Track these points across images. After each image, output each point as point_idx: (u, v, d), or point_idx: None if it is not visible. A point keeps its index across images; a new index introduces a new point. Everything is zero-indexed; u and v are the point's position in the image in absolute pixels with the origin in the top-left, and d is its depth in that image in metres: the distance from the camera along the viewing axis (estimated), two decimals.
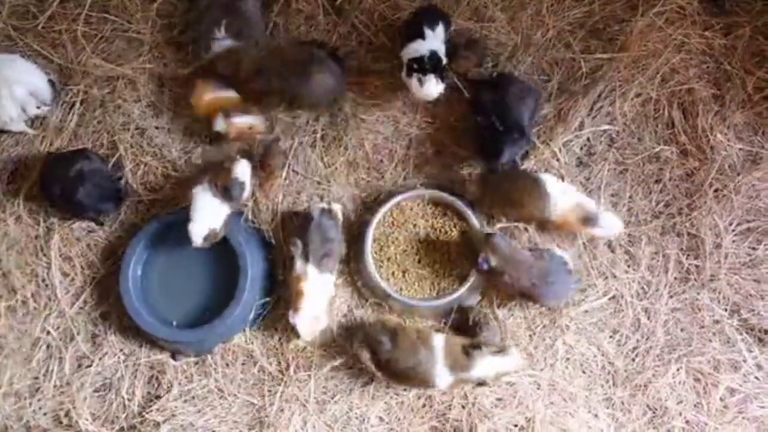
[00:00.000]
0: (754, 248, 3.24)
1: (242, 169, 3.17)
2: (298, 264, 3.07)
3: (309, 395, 3.17)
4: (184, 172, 3.36)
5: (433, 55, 3.13)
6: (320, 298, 3.09)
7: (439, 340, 2.97)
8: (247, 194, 3.21)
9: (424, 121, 3.39)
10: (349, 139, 3.37)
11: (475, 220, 3.22)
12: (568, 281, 3.10)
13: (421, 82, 3.13)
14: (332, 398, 3.18)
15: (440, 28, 3.21)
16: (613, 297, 3.23)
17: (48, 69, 3.46)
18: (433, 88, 3.14)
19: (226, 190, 3.10)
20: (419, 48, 3.16)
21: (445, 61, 3.18)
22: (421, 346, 2.95)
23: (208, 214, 3.09)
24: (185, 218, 3.09)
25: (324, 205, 3.17)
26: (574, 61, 3.40)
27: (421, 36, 3.18)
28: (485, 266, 3.00)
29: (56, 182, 3.19)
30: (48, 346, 3.28)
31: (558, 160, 3.31)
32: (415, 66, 3.13)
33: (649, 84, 3.35)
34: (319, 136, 3.38)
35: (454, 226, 3.27)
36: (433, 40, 3.18)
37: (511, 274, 3.01)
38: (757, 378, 3.14)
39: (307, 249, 3.06)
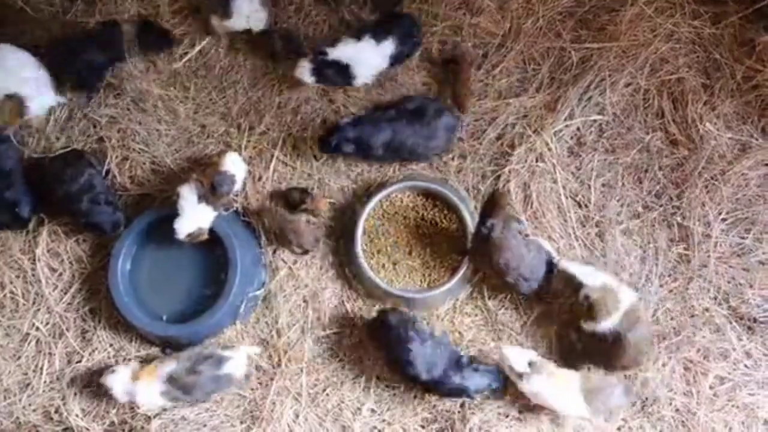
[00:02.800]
0: (743, 237, 3.24)
1: (232, 162, 3.15)
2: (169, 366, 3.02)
3: (301, 388, 3.17)
4: (171, 166, 3.34)
5: (335, 66, 3.18)
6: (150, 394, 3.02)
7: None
8: (238, 187, 3.20)
9: None
10: None
11: (466, 212, 3.21)
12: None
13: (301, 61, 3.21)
14: (324, 390, 3.19)
15: (388, 43, 3.21)
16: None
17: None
18: (297, 70, 3.20)
19: (214, 188, 3.08)
20: (342, 49, 3.20)
21: (358, 79, 3.23)
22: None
23: (194, 215, 3.08)
24: (174, 213, 3.08)
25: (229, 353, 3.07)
26: (564, 50, 3.39)
27: (359, 38, 3.21)
28: (485, 231, 2.96)
29: (60, 189, 3.17)
30: (37, 342, 3.27)
31: (549, 149, 3.30)
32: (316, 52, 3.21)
33: (638, 74, 3.34)
34: (310, 128, 3.36)
35: (445, 218, 3.27)
36: (369, 49, 3.20)
37: (503, 257, 2.98)
38: (746, 366, 3.16)
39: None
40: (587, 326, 3.00)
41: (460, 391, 2.99)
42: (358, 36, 3.22)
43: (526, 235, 3.15)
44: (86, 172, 3.18)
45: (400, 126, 3.15)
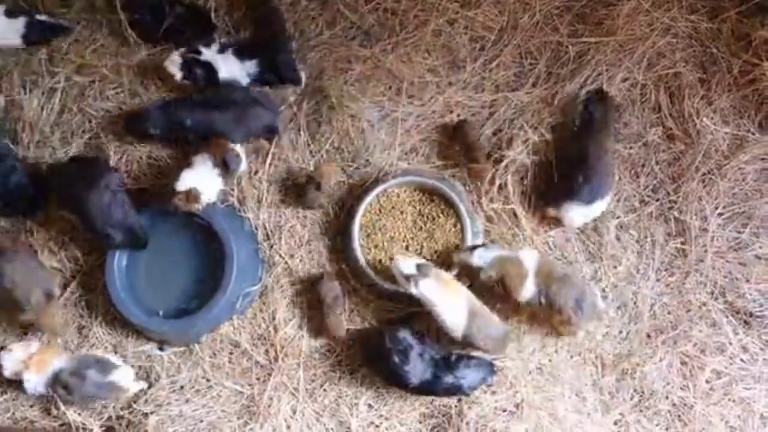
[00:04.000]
0: (739, 232, 3.25)
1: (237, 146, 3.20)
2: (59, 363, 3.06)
3: (298, 383, 3.17)
4: (167, 161, 3.33)
5: (203, 66, 3.23)
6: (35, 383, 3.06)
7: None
8: (243, 168, 3.22)
9: (410, 105, 3.36)
10: (335, 126, 3.34)
11: (462, 206, 3.21)
12: None
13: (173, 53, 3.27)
14: (321, 386, 3.19)
15: (253, 66, 3.27)
16: (601, 281, 3.23)
17: None
18: (168, 61, 3.26)
19: (225, 164, 3.10)
20: (212, 56, 3.25)
21: (220, 72, 3.26)
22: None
23: (202, 173, 3.09)
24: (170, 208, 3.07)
25: None
26: (561, 45, 3.39)
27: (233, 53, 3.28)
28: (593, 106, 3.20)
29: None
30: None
31: (547, 144, 3.29)
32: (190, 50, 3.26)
33: (635, 68, 3.33)
34: (304, 123, 3.35)
35: (441, 212, 3.26)
36: (235, 65, 3.26)
37: (593, 144, 3.15)
38: (742, 360, 3.17)
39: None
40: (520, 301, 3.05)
41: (455, 389, 3.00)
42: (222, 48, 3.27)
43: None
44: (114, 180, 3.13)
45: (209, 111, 3.18)
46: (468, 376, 3.00)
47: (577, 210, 3.15)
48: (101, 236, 3.09)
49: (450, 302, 2.97)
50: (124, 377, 3.09)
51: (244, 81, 3.28)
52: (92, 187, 3.06)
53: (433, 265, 3.02)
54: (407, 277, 2.94)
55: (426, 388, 3.00)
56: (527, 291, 3.01)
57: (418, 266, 2.96)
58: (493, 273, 3.02)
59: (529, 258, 3.02)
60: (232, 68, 3.26)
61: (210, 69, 3.24)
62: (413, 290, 2.94)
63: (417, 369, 2.96)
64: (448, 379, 2.97)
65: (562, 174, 3.20)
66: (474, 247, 3.08)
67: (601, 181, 3.12)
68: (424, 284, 2.94)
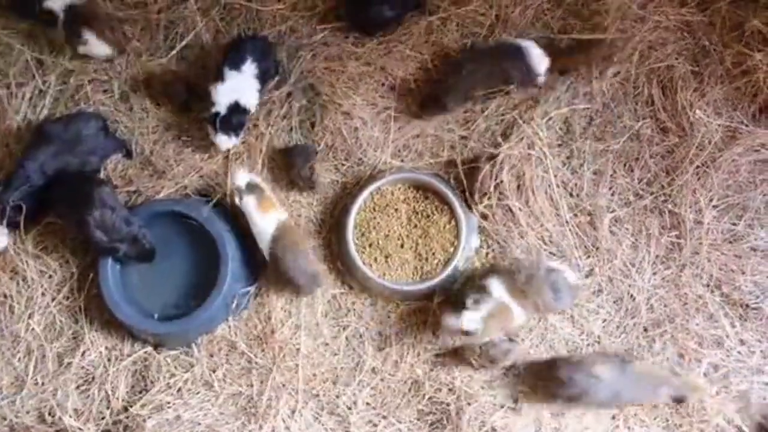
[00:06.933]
0: (734, 224, 3.25)
1: None
2: None
3: (297, 383, 3.16)
4: (160, 162, 3.32)
5: (231, 112, 3.13)
6: None
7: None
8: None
9: (404, 102, 3.36)
10: (327, 125, 3.33)
11: (457, 203, 3.21)
12: None
13: (212, 135, 3.19)
14: (320, 385, 3.17)
15: (248, 65, 3.16)
16: (597, 275, 3.23)
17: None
18: (222, 144, 3.20)
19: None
20: (217, 95, 3.14)
21: (251, 107, 3.18)
22: None
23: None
24: (163, 209, 3.06)
25: None
26: (553, 40, 3.37)
27: (221, 78, 3.15)
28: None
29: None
30: (29, 344, 3.23)
31: (540, 139, 3.29)
32: (211, 119, 3.16)
33: (627, 62, 3.33)
34: (296, 122, 3.35)
35: (436, 209, 3.26)
36: (236, 80, 3.15)
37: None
38: (739, 353, 3.16)
39: None
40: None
41: None
42: (220, 77, 3.16)
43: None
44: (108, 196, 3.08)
45: (46, 151, 3.11)
46: None
47: None
48: (108, 252, 3.07)
49: (262, 221, 3.07)
50: None
51: (256, 86, 3.19)
52: (89, 208, 3.00)
53: (265, 187, 3.12)
54: (236, 189, 3.08)
55: None
56: (519, 319, 3.02)
57: (248, 184, 3.07)
58: (492, 334, 3.02)
59: (498, 296, 2.97)
60: (243, 84, 3.16)
61: (236, 108, 3.14)
62: (237, 202, 3.09)
63: None
64: None
65: None
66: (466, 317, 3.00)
67: None
68: (246, 200, 3.07)
